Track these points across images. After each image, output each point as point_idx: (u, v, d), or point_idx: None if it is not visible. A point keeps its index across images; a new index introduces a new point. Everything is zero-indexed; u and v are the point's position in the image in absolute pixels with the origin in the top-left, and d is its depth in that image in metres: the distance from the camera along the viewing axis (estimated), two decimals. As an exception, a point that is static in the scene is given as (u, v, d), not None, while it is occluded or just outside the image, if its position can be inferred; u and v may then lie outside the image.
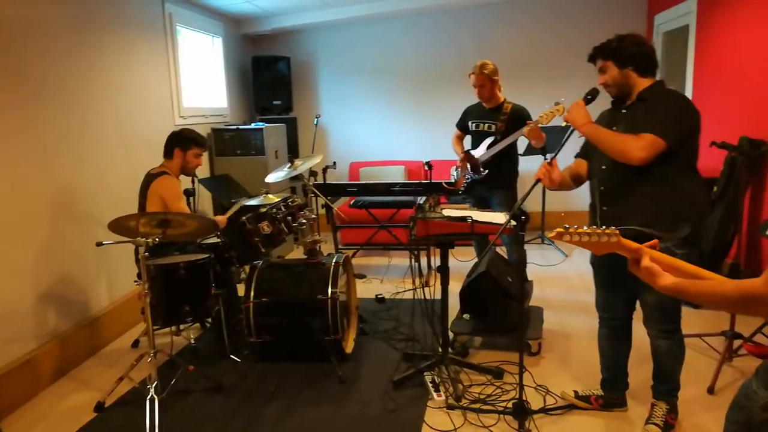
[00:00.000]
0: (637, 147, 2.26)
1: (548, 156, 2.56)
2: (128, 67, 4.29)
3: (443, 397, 2.94)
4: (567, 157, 2.76)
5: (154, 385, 2.80)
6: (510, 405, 2.78)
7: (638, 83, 2.40)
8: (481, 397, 2.95)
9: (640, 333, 2.64)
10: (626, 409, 2.80)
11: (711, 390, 2.91)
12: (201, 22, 5.52)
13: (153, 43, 4.67)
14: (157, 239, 2.85)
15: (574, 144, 2.70)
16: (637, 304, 2.60)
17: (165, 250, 3.39)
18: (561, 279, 4.90)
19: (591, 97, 2.53)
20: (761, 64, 3.91)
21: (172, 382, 3.02)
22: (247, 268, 3.62)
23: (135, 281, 3.13)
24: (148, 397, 2.76)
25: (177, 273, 3.09)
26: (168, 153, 3.62)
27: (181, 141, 3.62)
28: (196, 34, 5.55)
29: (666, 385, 2.60)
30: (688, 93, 5.09)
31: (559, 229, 1.45)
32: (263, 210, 3.45)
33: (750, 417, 1.30)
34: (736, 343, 3.22)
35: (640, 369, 2.90)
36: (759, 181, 3.98)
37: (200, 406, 2.99)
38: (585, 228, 1.44)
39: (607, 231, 1.43)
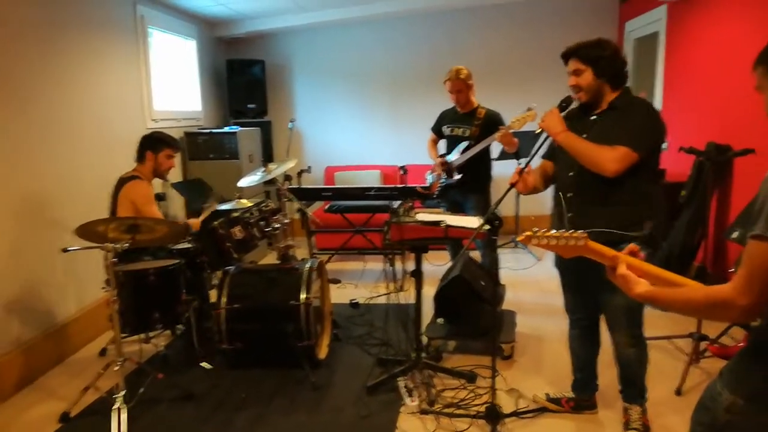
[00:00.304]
0: (611, 159, 2.29)
1: (522, 161, 2.57)
2: (99, 70, 4.21)
3: (416, 402, 2.93)
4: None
5: (121, 394, 2.74)
6: (483, 409, 2.78)
7: (608, 93, 2.43)
8: (454, 401, 2.95)
9: (604, 336, 2.68)
10: (596, 411, 2.83)
11: (678, 391, 2.96)
12: (173, 25, 5.45)
13: (124, 45, 4.60)
14: (125, 245, 2.79)
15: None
16: None
17: (135, 255, 3.33)
18: (533, 282, 4.94)
19: (566, 104, 2.52)
20: (728, 70, 4.00)
21: (141, 390, 2.96)
22: (219, 273, 3.58)
23: (103, 288, 3.06)
24: (115, 406, 2.71)
25: (146, 279, 3.04)
26: (140, 157, 3.57)
27: (151, 143, 3.57)
28: (169, 37, 5.47)
29: (636, 388, 2.63)
30: (658, 99, 5.19)
31: (527, 233, 1.46)
32: (235, 215, 3.41)
33: (715, 418, 1.32)
34: (704, 344, 3.28)
35: (606, 372, 2.93)
36: (725, 186, 4.06)
37: (170, 415, 2.93)
38: (554, 231, 1.46)
39: (575, 234, 1.45)
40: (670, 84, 5.05)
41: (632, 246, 1.52)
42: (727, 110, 4.03)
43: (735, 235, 3.17)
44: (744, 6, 3.84)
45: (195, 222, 3.63)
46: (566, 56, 2.47)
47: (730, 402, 1.28)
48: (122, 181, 3.47)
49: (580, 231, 1.46)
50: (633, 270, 1.43)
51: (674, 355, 3.36)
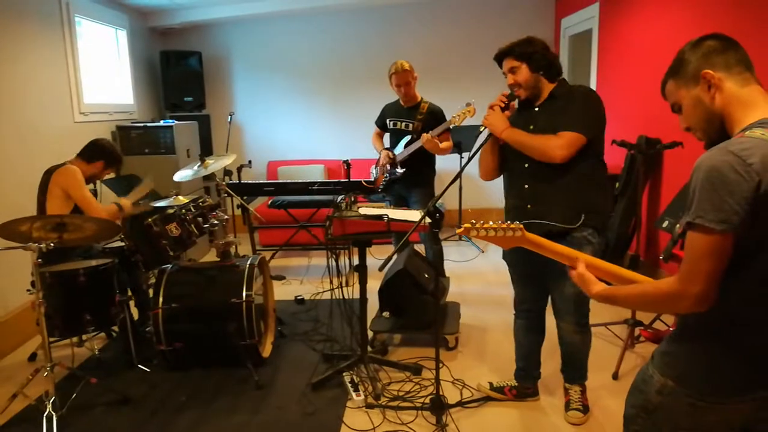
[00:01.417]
0: (558, 146, 2.34)
1: (464, 155, 2.59)
2: (21, 60, 3.97)
3: (362, 397, 2.92)
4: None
5: (51, 401, 2.61)
6: (428, 400, 2.80)
7: (546, 86, 2.48)
8: (400, 394, 2.96)
9: (549, 325, 2.73)
10: (538, 398, 2.89)
11: (615, 376, 3.07)
12: (102, 14, 5.20)
13: (49, 34, 4.35)
14: (51, 244, 2.64)
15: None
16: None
17: (66, 255, 3.17)
18: (477, 274, 5.02)
19: (508, 101, 2.54)
20: (657, 66, 4.17)
21: (73, 396, 2.82)
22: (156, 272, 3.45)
23: (28, 290, 2.89)
24: (45, 414, 2.57)
25: (76, 280, 2.89)
26: (89, 157, 3.44)
27: (110, 158, 3.50)
28: (98, 26, 5.22)
29: (579, 371, 2.73)
30: (592, 94, 5.34)
31: (466, 225, 1.49)
32: (171, 211, 3.29)
33: (647, 400, 1.36)
34: (638, 330, 3.41)
35: (550, 360, 3.01)
36: (656, 178, 4.24)
37: (105, 421, 2.80)
38: (491, 223, 1.48)
39: (512, 226, 1.48)
40: (603, 79, 5.23)
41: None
42: (656, 104, 4.20)
43: (665, 224, 3.31)
44: (672, 4, 4.01)
45: (126, 202, 3.49)
46: (500, 57, 2.51)
47: (662, 384, 1.33)
48: (50, 171, 3.32)
49: (516, 222, 1.49)
50: (595, 270, 1.47)
51: (611, 341, 3.49)
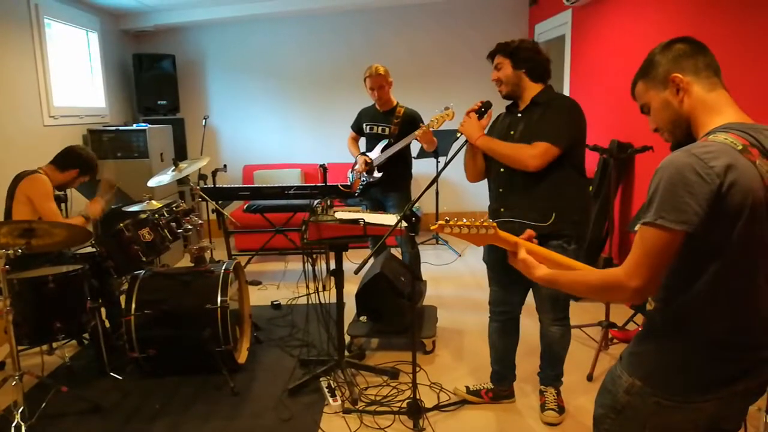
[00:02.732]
0: (531, 155, 2.38)
1: (440, 160, 2.62)
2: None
3: (339, 402, 2.90)
4: (458, 165, 2.77)
5: (20, 411, 2.54)
6: (405, 405, 2.79)
7: (529, 87, 2.51)
8: (377, 398, 2.95)
9: (524, 327, 2.75)
10: (514, 400, 2.91)
11: (590, 377, 3.11)
12: (73, 16, 5.12)
13: (17, 37, 4.26)
14: (19, 250, 2.58)
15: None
16: (528, 298, 2.72)
17: (35, 261, 3.10)
18: (454, 277, 5.04)
19: (484, 109, 2.58)
20: (628, 71, 4.24)
21: (43, 406, 2.75)
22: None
23: (-5, 298, 2.83)
24: (14, 424, 2.51)
25: (45, 287, 2.82)
26: (63, 166, 3.36)
27: (85, 166, 3.42)
28: (69, 28, 5.13)
29: (554, 371, 2.76)
30: (566, 99, 5.42)
31: (440, 222, 1.52)
32: (143, 216, 3.24)
33: (615, 400, 1.38)
34: (612, 332, 3.46)
35: (526, 362, 3.03)
36: (627, 181, 4.31)
37: (76, 430, 2.74)
38: (465, 220, 1.50)
39: (485, 223, 1.49)
40: (576, 85, 5.30)
41: (529, 231, 1.58)
42: (627, 109, 4.27)
43: (637, 228, 3.36)
44: (642, 10, 4.09)
45: (94, 210, 3.42)
46: (492, 56, 2.57)
47: (629, 384, 1.34)
48: (20, 177, 3.24)
49: (489, 220, 1.51)
50: (534, 255, 1.49)
51: (586, 343, 3.53)
